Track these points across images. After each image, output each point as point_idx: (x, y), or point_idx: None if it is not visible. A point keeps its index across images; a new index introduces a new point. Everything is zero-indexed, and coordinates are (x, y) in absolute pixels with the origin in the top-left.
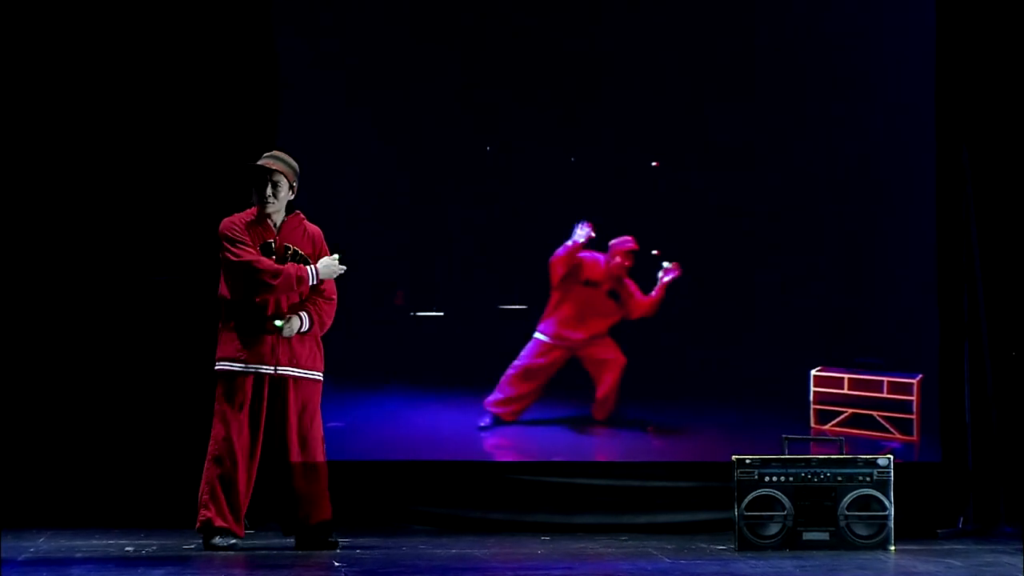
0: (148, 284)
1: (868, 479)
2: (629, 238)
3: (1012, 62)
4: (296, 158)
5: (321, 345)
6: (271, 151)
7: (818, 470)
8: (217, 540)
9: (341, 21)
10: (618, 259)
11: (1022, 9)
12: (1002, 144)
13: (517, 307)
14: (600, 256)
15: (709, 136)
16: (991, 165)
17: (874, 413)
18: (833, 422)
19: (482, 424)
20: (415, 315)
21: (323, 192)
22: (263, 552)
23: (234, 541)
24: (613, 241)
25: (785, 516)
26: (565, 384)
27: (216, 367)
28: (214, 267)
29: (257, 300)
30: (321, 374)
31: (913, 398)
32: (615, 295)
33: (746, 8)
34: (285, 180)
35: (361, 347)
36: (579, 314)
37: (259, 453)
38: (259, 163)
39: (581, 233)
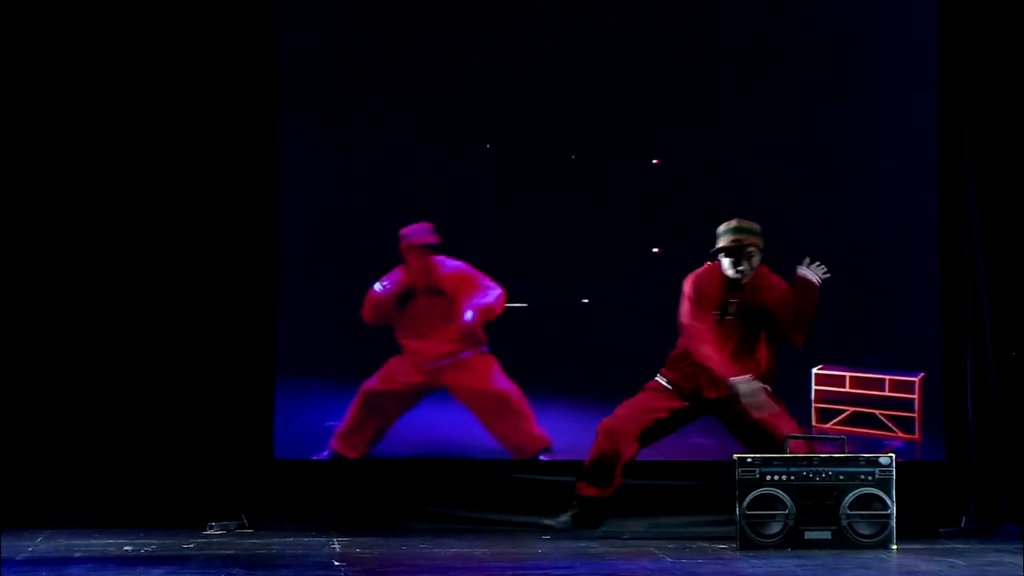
0: (146, 283)
1: (870, 478)
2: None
3: (1016, 56)
4: (297, 156)
5: None
6: (732, 223)
7: (820, 469)
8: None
9: (341, 17)
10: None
11: None
12: (1006, 141)
13: (518, 305)
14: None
15: (710, 133)
16: (994, 162)
17: (876, 411)
18: (835, 420)
19: None
20: None
21: (328, 190)
22: (263, 552)
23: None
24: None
25: (787, 515)
26: (568, 380)
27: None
28: (211, 265)
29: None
30: None
31: (915, 396)
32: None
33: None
34: (756, 249)
35: (366, 346)
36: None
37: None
38: (727, 243)
39: None
